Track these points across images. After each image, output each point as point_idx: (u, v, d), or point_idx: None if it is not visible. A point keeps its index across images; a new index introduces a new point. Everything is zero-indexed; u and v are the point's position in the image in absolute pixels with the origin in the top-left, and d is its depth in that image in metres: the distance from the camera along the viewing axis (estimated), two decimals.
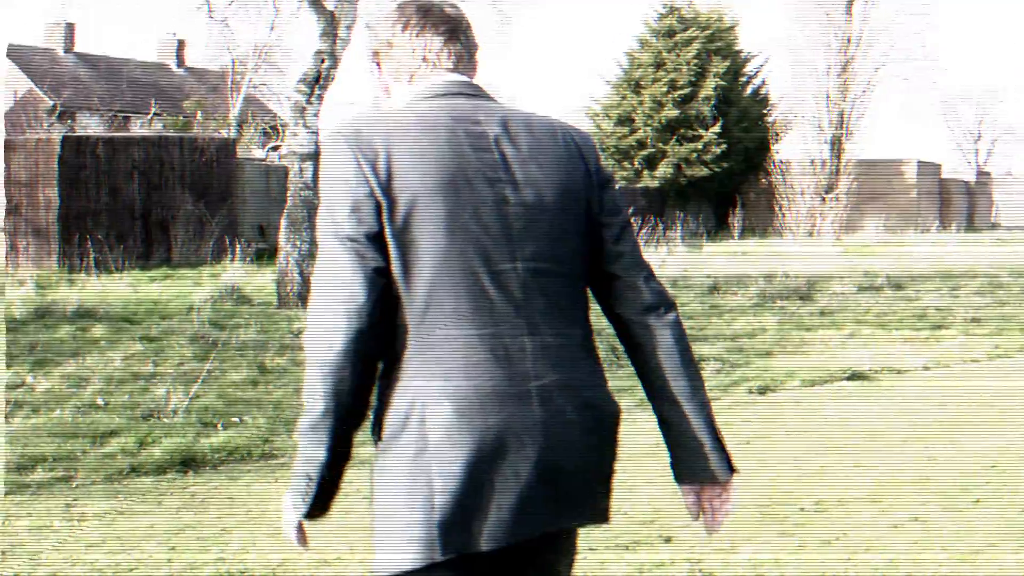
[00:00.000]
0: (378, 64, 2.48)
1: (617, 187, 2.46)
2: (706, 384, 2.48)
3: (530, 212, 2.26)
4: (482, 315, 2.20)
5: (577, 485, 2.26)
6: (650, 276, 2.41)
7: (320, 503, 2.25)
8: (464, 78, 2.39)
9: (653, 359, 2.42)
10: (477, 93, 2.37)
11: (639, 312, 2.40)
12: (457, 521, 2.13)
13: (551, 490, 2.20)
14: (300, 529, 2.31)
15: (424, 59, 2.40)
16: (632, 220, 2.46)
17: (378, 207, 2.16)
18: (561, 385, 2.25)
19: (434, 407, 2.15)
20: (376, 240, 2.15)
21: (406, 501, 2.15)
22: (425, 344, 2.18)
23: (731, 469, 2.39)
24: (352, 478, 6.16)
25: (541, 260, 2.27)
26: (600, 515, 2.34)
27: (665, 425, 2.45)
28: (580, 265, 2.36)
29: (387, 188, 2.17)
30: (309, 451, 2.18)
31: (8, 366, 9.30)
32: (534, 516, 2.19)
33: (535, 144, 2.31)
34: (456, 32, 2.41)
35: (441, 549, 2.13)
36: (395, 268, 2.17)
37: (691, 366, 2.44)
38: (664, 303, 2.40)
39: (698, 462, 2.38)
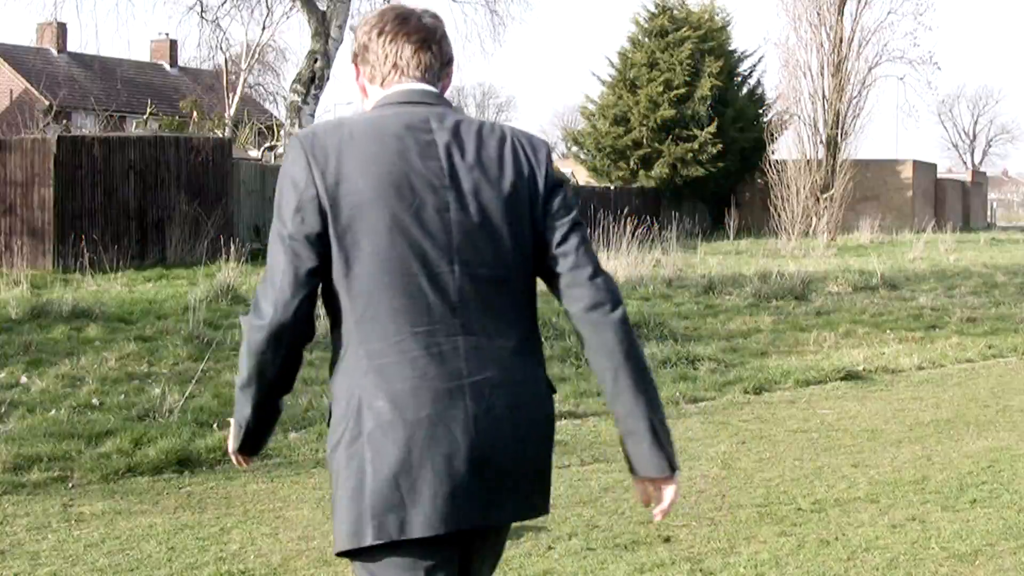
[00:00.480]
0: (356, 66, 2.60)
1: (567, 194, 2.56)
2: (655, 381, 2.58)
3: (471, 218, 2.38)
4: (419, 315, 2.35)
5: (507, 480, 2.38)
6: (596, 274, 2.49)
7: (247, 445, 2.61)
8: (426, 87, 2.51)
9: (598, 356, 2.53)
10: (435, 102, 2.49)
11: (584, 309, 2.49)
12: (388, 508, 2.29)
13: (482, 483, 2.33)
14: (236, 456, 2.67)
15: (395, 65, 2.52)
16: (582, 220, 2.57)
17: (322, 210, 2.34)
18: (493, 383, 2.38)
19: (370, 400, 2.31)
20: (315, 241, 2.33)
21: (344, 487, 2.33)
22: (364, 340, 2.35)
23: (672, 467, 2.51)
24: None
25: (480, 265, 2.40)
26: (533, 510, 2.48)
27: (615, 420, 2.54)
28: (522, 270, 2.48)
29: (334, 192, 2.34)
30: (238, 406, 2.54)
31: (3, 366, 9.28)
32: (466, 507, 2.32)
33: (483, 152, 2.43)
34: (428, 42, 2.53)
35: (372, 534, 2.29)
36: (337, 267, 2.35)
37: (634, 363, 2.49)
38: (609, 301, 2.48)
39: (641, 459, 2.50)
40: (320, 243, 2.34)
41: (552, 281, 2.54)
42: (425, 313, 2.36)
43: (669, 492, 2.55)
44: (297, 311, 2.35)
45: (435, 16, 2.57)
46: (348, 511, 2.32)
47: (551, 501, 2.59)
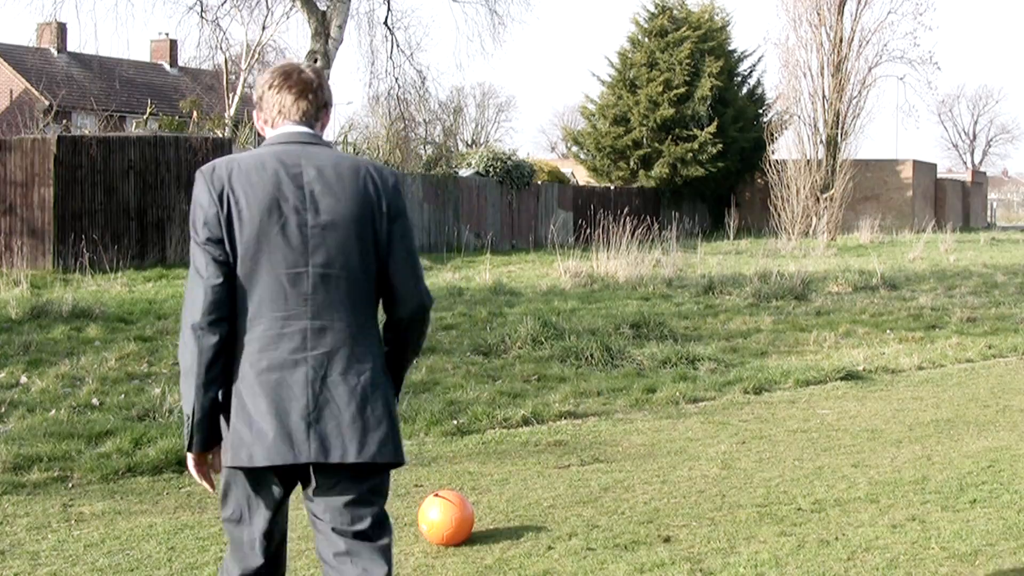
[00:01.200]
0: (256, 112, 3.35)
1: (406, 220, 3.27)
2: None
3: (323, 232, 3.14)
4: (280, 303, 3.12)
5: (337, 431, 3.09)
6: (412, 281, 3.26)
7: (200, 443, 3.16)
8: (302, 129, 3.27)
9: (398, 343, 3.33)
10: (309, 141, 3.26)
11: (397, 306, 3.28)
12: (241, 444, 3.07)
13: (315, 432, 3.08)
14: (195, 463, 3.22)
15: (279, 111, 3.28)
16: (414, 241, 3.31)
17: (219, 222, 3.10)
18: (331, 356, 3.13)
19: (242, 361, 3.11)
20: (220, 243, 3.10)
21: (227, 427, 3.13)
22: (245, 319, 3.13)
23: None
24: None
25: (328, 267, 3.15)
26: (366, 454, 3.11)
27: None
28: (362, 273, 3.20)
29: (227, 210, 3.11)
30: (185, 399, 3.12)
31: (3, 366, 9.28)
32: (300, 447, 3.06)
33: (337, 184, 3.18)
34: (305, 92, 3.28)
35: (230, 459, 3.09)
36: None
37: (416, 345, 3.34)
38: (421, 300, 3.28)
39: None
40: (221, 245, 3.10)
41: (386, 286, 3.25)
42: (284, 301, 3.12)
43: None
44: (222, 290, 3.09)
45: (315, 71, 3.35)
46: (225, 441, 3.13)
47: (402, 459, 3.23)
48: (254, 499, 3.16)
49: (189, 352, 3.08)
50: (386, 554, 3.20)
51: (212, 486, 3.26)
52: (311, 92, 3.28)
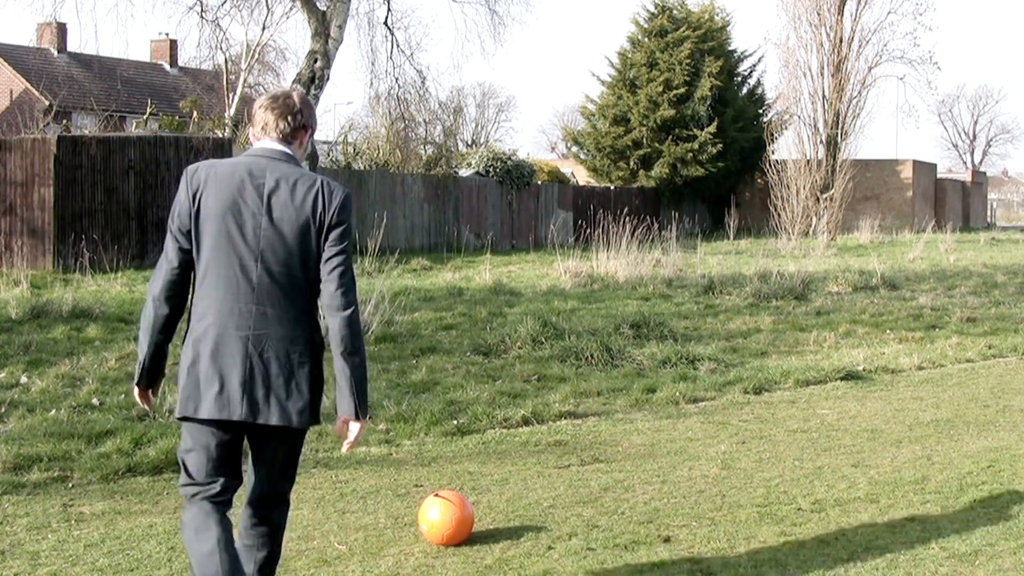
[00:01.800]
0: (251, 125, 4.06)
1: (344, 232, 3.87)
2: (366, 361, 3.90)
3: (273, 234, 3.81)
4: (232, 289, 3.79)
5: (267, 396, 3.78)
6: (340, 286, 3.82)
7: (145, 380, 4.03)
8: (275, 146, 3.94)
9: (332, 335, 3.84)
10: (278, 157, 3.91)
11: (327, 308, 3.84)
12: (188, 397, 3.80)
13: (248, 395, 3.77)
14: (139, 394, 4.07)
15: (263, 127, 3.97)
16: (349, 249, 3.88)
17: (191, 215, 3.83)
18: (268, 337, 3.79)
19: (196, 333, 3.84)
20: (188, 234, 3.84)
21: (179, 387, 3.85)
22: (201, 297, 3.84)
23: (358, 414, 3.85)
24: (348, 478, 6.15)
25: (274, 264, 3.81)
26: (289, 420, 3.79)
27: (334, 378, 3.89)
28: (302, 271, 3.84)
29: (197, 206, 3.83)
30: (140, 347, 3.98)
31: (3, 366, 9.28)
32: (234, 407, 3.75)
33: (291, 196, 3.83)
34: (286, 115, 3.95)
35: (180, 410, 3.82)
36: (194, 250, 3.84)
37: (347, 344, 3.82)
38: (343, 305, 3.81)
39: (341, 403, 3.87)
40: (188, 236, 3.84)
41: (321, 283, 3.86)
42: (235, 289, 3.79)
43: (355, 431, 3.87)
44: (178, 273, 3.85)
45: (301, 98, 4.01)
46: (179, 395, 3.83)
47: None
48: (199, 439, 3.86)
49: (146, 315, 3.92)
50: (276, 537, 4.03)
51: (151, 409, 4.33)
52: (291, 115, 3.95)
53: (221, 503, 3.86)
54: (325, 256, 3.83)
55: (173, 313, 3.90)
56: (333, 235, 3.84)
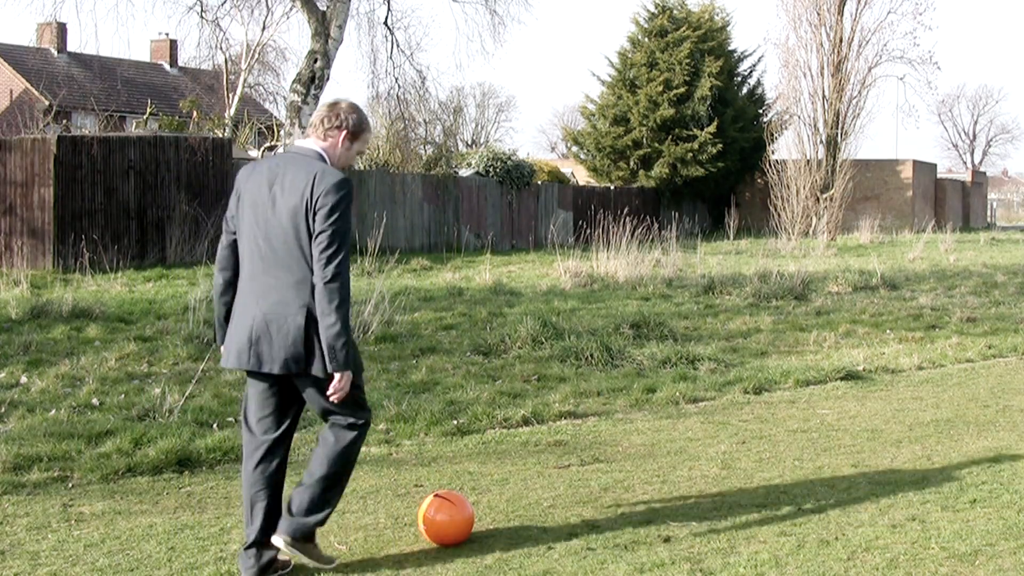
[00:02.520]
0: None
1: (329, 212, 4.52)
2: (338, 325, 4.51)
3: (276, 219, 4.61)
4: (252, 262, 4.69)
5: (271, 350, 4.60)
6: (323, 263, 4.49)
7: (220, 337, 4.88)
8: (306, 144, 4.76)
9: (317, 301, 4.52)
10: (302, 153, 4.72)
11: (317, 278, 4.52)
12: (223, 350, 4.81)
13: (256, 349, 4.62)
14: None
15: (311, 127, 4.82)
16: (334, 227, 4.51)
17: (235, 206, 4.77)
18: (272, 301, 4.61)
19: (236, 304, 4.79)
20: (231, 220, 4.80)
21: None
22: (240, 276, 4.78)
23: (336, 367, 4.52)
24: (349, 477, 6.02)
25: (276, 241, 4.61)
26: (289, 369, 4.60)
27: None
28: (298, 247, 4.57)
29: (239, 196, 4.77)
30: (215, 309, 4.91)
31: (3, 366, 9.28)
32: (245, 359, 4.64)
33: (291, 184, 4.59)
34: (323, 118, 4.76)
35: (221, 360, 4.83)
36: (237, 234, 4.78)
37: (323, 308, 4.49)
38: (321, 277, 4.49)
39: (325, 360, 4.59)
40: (231, 221, 4.80)
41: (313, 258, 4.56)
42: (253, 262, 4.69)
43: (337, 384, 4.56)
44: (229, 253, 4.82)
45: (347, 104, 4.81)
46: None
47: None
48: (247, 387, 4.86)
49: (214, 283, 4.91)
50: (338, 432, 4.77)
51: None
52: (326, 118, 4.74)
53: (268, 444, 4.73)
54: (315, 233, 4.51)
55: (226, 282, 4.82)
56: (319, 215, 4.50)
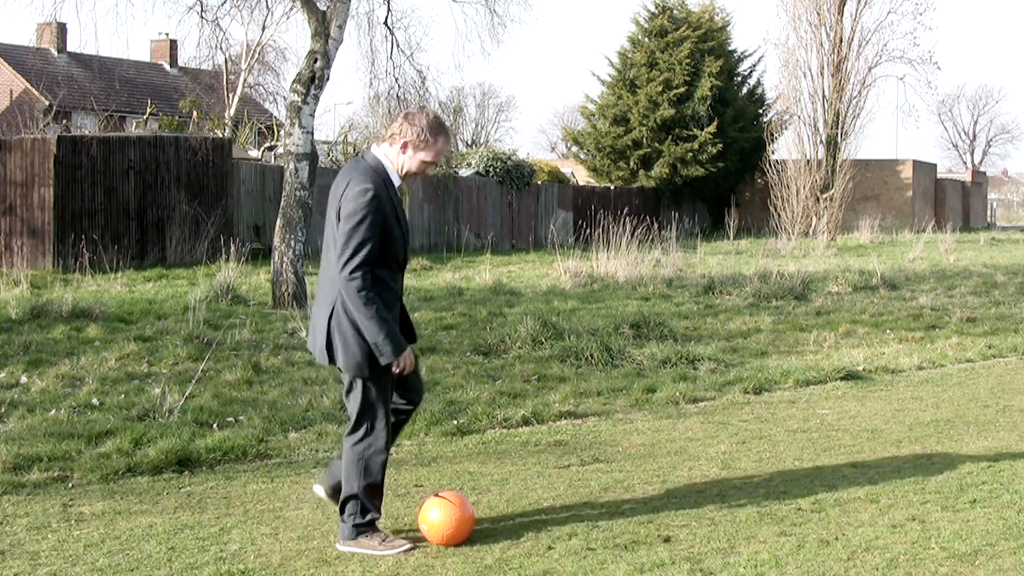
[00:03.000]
0: None
1: (347, 217, 4.87)
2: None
3: (326, 223, 5.06)
4: (326, 270, 5.05)
5: (313, 342, 5.07)
6: (339, 266, 4.85)
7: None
8: (372, 153, 5.11)
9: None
10: (359, 161, 5.09)
11: (338, 273, 4.87)
12: None
13: (310, 340, 5.11)
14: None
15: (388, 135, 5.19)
16: (353, 227, 4.84)
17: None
18: (320, 298, 5.05)
19: None
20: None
21: None
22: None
23: (385, 360, 4.91)
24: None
25: (328, 245, 5.00)
26: (323, 359, 5.02)
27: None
28: (333, 250, 4.90)
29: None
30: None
31: (3, 366, 9.28)
32: (311, 345, 5.13)
33: (335, 189, 5.04)
34: (393, 126, 5.09)
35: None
36: None
37: (353, 309, 4.86)
38: (343, 280, 4.84)
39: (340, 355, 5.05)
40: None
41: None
42: (323, 263, 5.09)
43: (393, 365, 4.95)
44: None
45: (407, 113, 5.11)
46: None
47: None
48: None
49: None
50: (349, 450, 5.06)
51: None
52: (394, 126, 5.09)
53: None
54: (338, 233, 4.88)
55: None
56: (340, 220, 4.88)
